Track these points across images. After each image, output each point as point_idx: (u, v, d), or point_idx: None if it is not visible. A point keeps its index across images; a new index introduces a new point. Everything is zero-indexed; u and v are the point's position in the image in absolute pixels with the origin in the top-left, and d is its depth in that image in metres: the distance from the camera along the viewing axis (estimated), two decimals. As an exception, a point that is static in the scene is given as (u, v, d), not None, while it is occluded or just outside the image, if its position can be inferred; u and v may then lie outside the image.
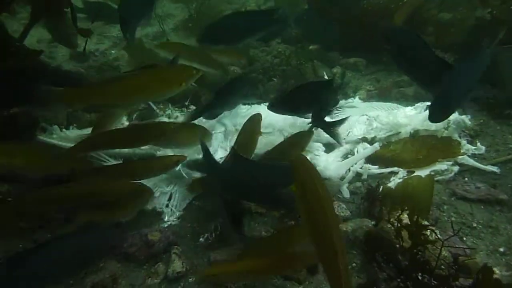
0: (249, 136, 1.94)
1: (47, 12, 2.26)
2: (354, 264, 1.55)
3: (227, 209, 1.63)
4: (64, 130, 2.11)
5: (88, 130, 2.14)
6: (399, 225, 1.41)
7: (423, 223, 1.40)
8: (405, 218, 1.45)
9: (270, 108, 1.93)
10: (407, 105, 2.41)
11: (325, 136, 2.10)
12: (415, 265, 1.35)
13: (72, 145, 1.76)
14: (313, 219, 1.09)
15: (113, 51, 3.87)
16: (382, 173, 2.01)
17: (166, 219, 1.81)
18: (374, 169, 2.02)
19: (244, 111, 2.41)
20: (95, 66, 3.42)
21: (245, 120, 2.05)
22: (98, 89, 1.65)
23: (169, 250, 1.59)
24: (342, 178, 1.99)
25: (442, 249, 1.35)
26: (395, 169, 2.00)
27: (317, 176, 1.17)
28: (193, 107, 2.61)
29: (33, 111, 2.02)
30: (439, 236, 1.43)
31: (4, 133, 1.98)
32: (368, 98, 2.83)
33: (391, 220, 1.44)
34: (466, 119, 2.10)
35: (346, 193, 1.94)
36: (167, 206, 1.87)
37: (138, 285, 1.46)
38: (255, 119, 2.02)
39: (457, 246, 1.47)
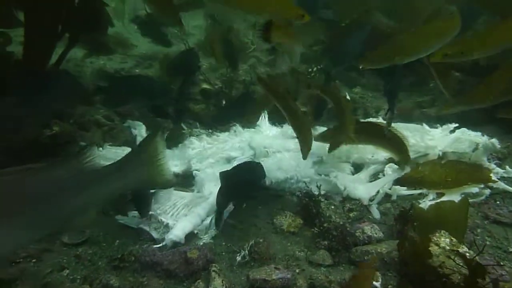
0: None
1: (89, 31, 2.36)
2: (390, 286, 1.57)
3: None
4: (101, 148, 2.18)
5: (124, 148, 2.22)
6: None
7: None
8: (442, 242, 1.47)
9: None
10: (430, 126, 2.45)
11: (355, 155, 2.14)
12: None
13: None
14: None
15: (137, 70, 3.99)
16: (411, 194, 2.04)
17: (202, 237, 1.85)
18: (404, 190, 2.05)
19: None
20: (122, 85, 3.53)
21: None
22: None
23: (208, 268, 1.62)
24: (372, 199, 2.02)
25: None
26: (425, 190, 2.03)
27: None
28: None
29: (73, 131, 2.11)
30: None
31: (45, 151, 2.08)
32: (390, 119, 2.87)
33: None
34: (495, 142, 2.12)
35: (376, 214, 1.96)
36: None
37: (180, 302, 1.49)
38: None
39: (494, 269, 1.48)
